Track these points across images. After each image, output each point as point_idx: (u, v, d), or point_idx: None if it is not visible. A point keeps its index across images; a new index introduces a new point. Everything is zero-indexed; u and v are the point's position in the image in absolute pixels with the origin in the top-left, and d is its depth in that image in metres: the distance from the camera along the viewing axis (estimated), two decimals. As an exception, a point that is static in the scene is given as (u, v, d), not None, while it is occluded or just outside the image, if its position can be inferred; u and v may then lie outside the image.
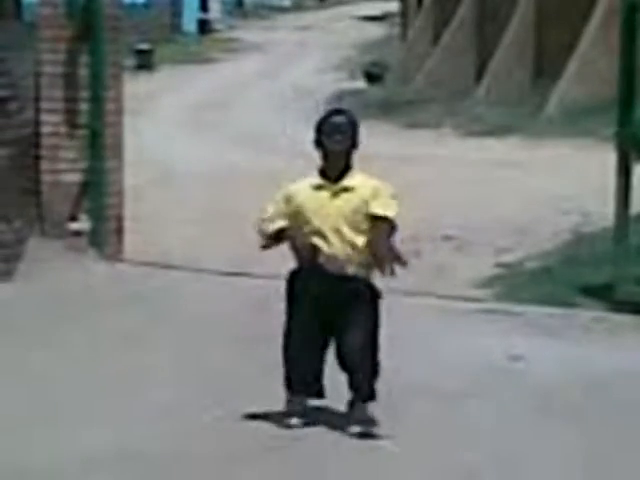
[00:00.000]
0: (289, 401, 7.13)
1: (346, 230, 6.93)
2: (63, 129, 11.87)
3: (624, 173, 10.25)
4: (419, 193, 16.30)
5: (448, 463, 6.72)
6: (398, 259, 6.87)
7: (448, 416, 7.52)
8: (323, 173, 7.02)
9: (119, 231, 12.07)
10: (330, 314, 7.00)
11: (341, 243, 6.94)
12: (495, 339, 9.35)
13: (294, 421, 7.08)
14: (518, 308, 10.30)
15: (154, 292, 10.90)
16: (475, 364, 8.63)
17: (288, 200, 7.03)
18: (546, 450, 6.97)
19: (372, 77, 37.06)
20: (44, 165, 11.85)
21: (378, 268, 6.90)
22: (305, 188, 7.03)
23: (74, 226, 11.88)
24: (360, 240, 6.95)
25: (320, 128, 7.02)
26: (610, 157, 10.47)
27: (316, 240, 6.95)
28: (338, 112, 7.21)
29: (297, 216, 7.00)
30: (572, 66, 27.64)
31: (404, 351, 8.66)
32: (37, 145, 11.82)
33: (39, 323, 9.81)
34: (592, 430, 7.33)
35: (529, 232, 13.71)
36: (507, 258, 12.43)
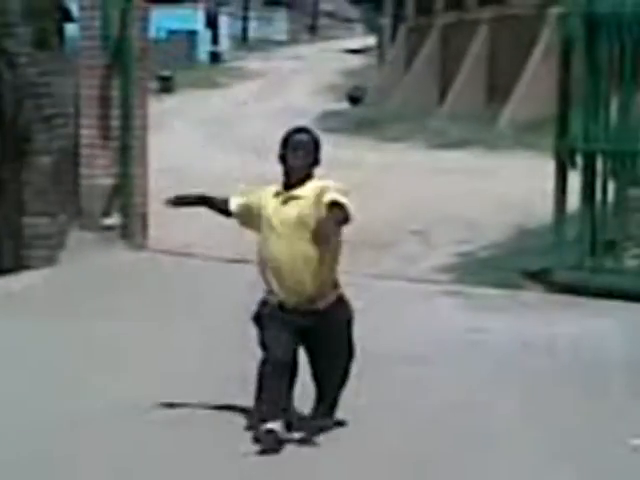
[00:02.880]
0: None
1: (304, 242, 5.97)
2: (98, 141, 11.88)
3: (561, 178, 10.27)
4: (392, 194, 16.33)
5: (412, 409, 6.76)
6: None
7: (414, 377, 7.52)
8: (285, 186, 6.14)
9: (144, 225, 12.09)
10: (304, 341, 6.13)
11: (300, 269, 5.97)
12: (454, 315, 9.40)
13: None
14: (473, 289, 10.32)
15: (173, 274, 10.95)
16: (437, 335, 8.65)
17: (253, 192, 6.27)
18: (494, 398, 7.01)
19: (354, 99, 37.08)
20: (82, 171, 11.86)
21: (316, 242, 5.94)
22: (268, 192, 6.18)
23: (107, 221, 11.89)
24: (315, 254, 5.99)
25: (284, 144, 6.15)
26: (550, 165, 10.49)
27: (274, 274, 6.05)
28: (301, 130, 6.30)
29: (251, 211, 6.20)
30: (518, 90, 27.68)
31: (377, 325, 8.65)
32: (77, 154, 11.82)
33: (80, 297, 9.89)
34: (531, 384, 7.39)
35: (482, 227, 13.69)
36: (464, 248, 12.43)
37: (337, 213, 5.86)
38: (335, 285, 6.15)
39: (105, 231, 11.83)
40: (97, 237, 11.71)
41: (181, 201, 6.47)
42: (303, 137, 6.18)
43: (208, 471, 5.81)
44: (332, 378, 6.23)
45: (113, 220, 11.92)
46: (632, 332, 8.73)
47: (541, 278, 10.43)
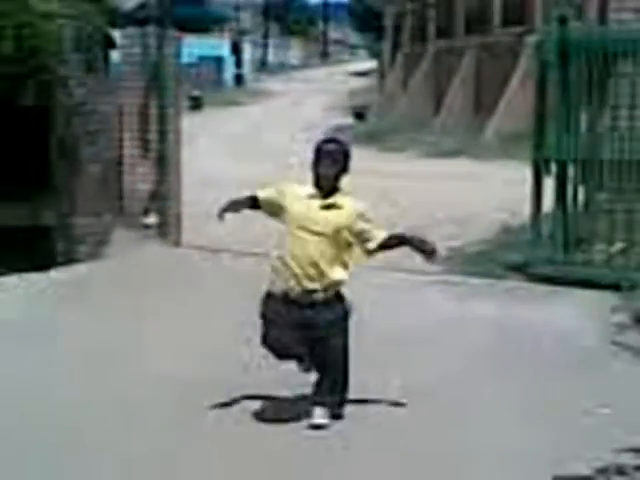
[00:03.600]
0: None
1: (326, 243, 5.85)
2: (138, 152, 11.89)
3: (537, 183, 10.26)
4: (391, 198, 16.31)
5: (408, 384, 6.76)
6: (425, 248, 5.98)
7: (408, 356, 7.53)
8: (320, 191, 5.96)
9: (178, 225, 12.11)
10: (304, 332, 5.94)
11: (314, 264, 5.84)
12: (445, 302, 9.38)
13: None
14: (461, 279, 10.32)
15: (205, 267, 10.96)
16: (429, 320, 8.64)
17: (281, 193, 6.02)
18: (477, 373, 7.02)
19: (358, 115, 37.08)
20: (125, 177, 11.89)
21: (421, 253, 5.98)
22: (298, 191, 5.98)
23: (146, 221, 11.91)
24: (335, 256, 5.90)
25: (316, 153, 5.97)
26: (528, 171, 10.48)
27: (288, 265, 5.88)
28: (331, 141, 6.16)
29: (277, 209, 5.99)
30: (501, 107, 27.66)
31: (376, 310, 8.66)
32: (120, 163, 11.84)
33: (121, 287, 9.92)
34: (512, 362, 7.40)
35: (470, 225, 13.68)
36: (454, 244, 12.40)
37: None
38: (338, 283, 5.97)
39: (144, 230, 11.84)
40: (137, 235, 11.71)
41: (226, 210, 6.25)
42: (332, 147, 6.01)
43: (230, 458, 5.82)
44: (328, 366, 6.00)
45: (151, 220, 11.93)
46: (599, 315, 8.72)
47: (521, 270, 10.41)
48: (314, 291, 5.88)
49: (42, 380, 6.82)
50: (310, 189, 5.97)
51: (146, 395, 6.50)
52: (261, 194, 6.10)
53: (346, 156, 6.01)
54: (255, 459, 5.50)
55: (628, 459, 5.40)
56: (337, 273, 5.92)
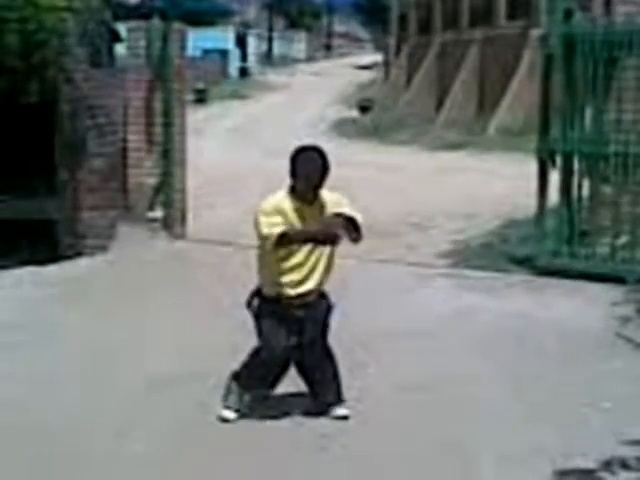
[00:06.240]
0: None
1: (321, 248, 5.71)
2: (144, 146, 11.90)
3: (542, 176, 10.25)
4: (395, 191, 16.32)
5: (410, 376, 6.77)
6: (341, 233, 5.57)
7: (412, 346, 7.54)
8: (294, 194, 5.69)
9: (183, 218, 12.12)
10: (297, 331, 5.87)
11: (315, 268, 5.76)
12: (449, 295, 9.39)
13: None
14: (466, 272, 10.32)
15: (210, 261, 10.97)
16: (434, 312, 8.66)
17: (279, 211, 5.63)
18: (478, 366, 7.03)
19: (363, 108, 37.01)
20: (130, 171, 11.89)
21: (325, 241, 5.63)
22: (283, 205, 5.67)
23: (151, 215, 11.92)
24: (330, 256, 5.80)
25: (293, 161, 5.69)
26: (533, 165, 10.48)
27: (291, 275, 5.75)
28: (308, 147, 5.80)
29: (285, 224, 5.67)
30: (506, 101, 27.62)
31: (382, 303, 8.67)
32: (125, 157, 11.85)
33: (127, 280, 9.96)
34: (516, 354, 7.40)
35: (475, 218, 13.69)
36: (459, 237, 12.42)
37: (344, 221, 5.54)
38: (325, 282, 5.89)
39: (149, 223, 11.85)
40: (142, 228, 11.73)
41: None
42: (311, 154, 5.72)
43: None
44: (322, 362, 5.93)
45: (156, 214, 11.94)
46: (602, 308, 8.73)
47: (525, 263, 10.41)
48: (309, 294, 5.80)
49: (42, 376, 6.83)
50: (289, 202, 5.68)
51: (146, 393, 6.49)
52: (279, 229, 5.61)
53: (325, 161, 5.72)
54: (255, 459, 5.46)
55: (630, 452, 5.40)
56: (329, 273, 5.87)
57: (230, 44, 56.32)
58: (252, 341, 5.93)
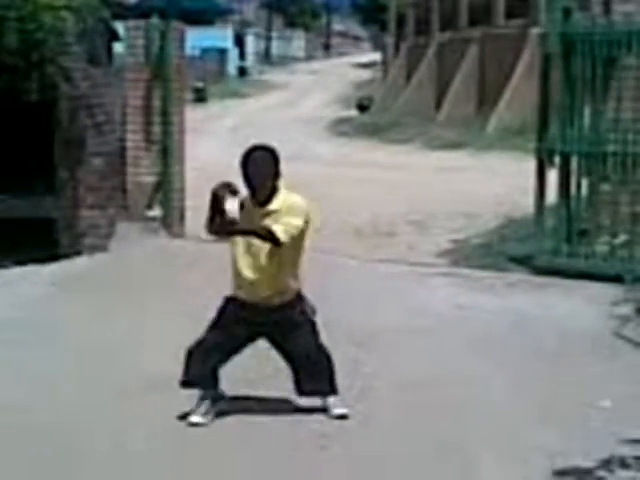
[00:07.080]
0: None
1: (274, 250, 5.61)
2: (142, 144, 11.87)
3: (541, 175, 10.25)
4: (396, 190, 16.31)
5: (410, 375, 6.76)
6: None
7: (412, 345, 7.54)
8: (257, 201, 5.70)
9: (182, 217, 12.09)
10: (264, 334, 5.86)
11: (264, 270, 5.67)
12: (449, 293, 9.38)
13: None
14: (465, 271, 10.31)
15: (208, 260, 10.94)
16: (434, 310, 8.65)
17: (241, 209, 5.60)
18: (477, 365, 7.03)
19: (362, 107, 37.02)
20: (129, 170, 11.86)
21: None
22: (247, 203, 5.71)
23: (150, 213, 11.90)
24: (277, 262, 5.67)
25: (244, 163, 5.65)
26: (531, 164, 10.47)
27: (241, 268, 5.71)
28: (258, 148, 5.74)
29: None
30: (504, 99, 27.60)
31: (383, 302, 8.66)
32: (123, 156, 11.83)
33: (126, 278, 9.94)
34: (515, 353, 7.41)
35: (474, 217, 13.69)
36: (458, 236, 12.42)
37: (267, 230, 5.51)
38: (292, 286, 5.78)
39: (148, 222, 11.83)
40: (141, 227, 11.71)
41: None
42: (261, 154, 5.66)
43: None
44: (297, 360, 5.87)
45: (155, 212, 11.92)
46: (601, 308, 8.72)
47: (524, 262, 10.41)
48: (269, 298, 5.74)
49: (41, 375, 6.82)
50: (247, 202, 5.69)
51: (145, 392, 6.47)
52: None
53: (276, 160, 5.67)
54: (255, 458, 5.45)
55: (630, 451, 5.39)
56: (290, 277, 5.75)
57: (229, 43, 56.29)
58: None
